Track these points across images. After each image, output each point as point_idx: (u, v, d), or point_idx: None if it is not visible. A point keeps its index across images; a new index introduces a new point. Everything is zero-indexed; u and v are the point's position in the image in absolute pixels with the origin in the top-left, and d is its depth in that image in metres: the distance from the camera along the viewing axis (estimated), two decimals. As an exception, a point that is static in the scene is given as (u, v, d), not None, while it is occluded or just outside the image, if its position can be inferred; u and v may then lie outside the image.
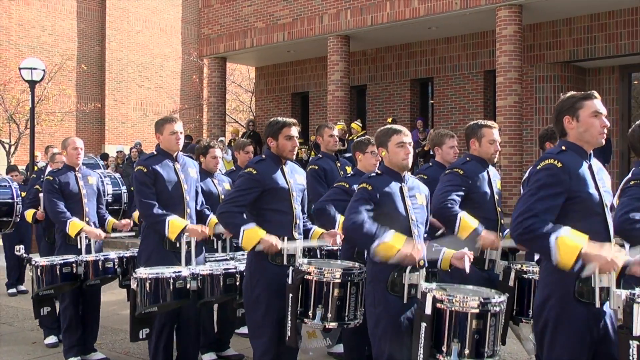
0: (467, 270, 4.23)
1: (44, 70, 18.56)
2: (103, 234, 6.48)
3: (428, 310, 3.95)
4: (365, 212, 4.20)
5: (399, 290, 4.18)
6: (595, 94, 3.71)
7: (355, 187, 4.55)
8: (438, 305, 3.95)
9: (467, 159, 5.19)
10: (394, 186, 4.31)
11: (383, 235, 4.10)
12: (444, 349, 3.92)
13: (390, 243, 4.07)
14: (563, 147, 3.65)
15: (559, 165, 3.51)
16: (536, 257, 3.95)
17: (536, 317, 3.67)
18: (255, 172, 4.86)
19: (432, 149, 6.10)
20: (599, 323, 3.55)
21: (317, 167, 6.65)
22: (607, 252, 3.32)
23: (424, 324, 3.94)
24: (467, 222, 4.83)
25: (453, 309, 3.91)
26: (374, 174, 4.40)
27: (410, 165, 4.40)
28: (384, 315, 4.16)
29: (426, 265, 4.30)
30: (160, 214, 5.38)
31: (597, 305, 3.49)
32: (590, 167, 3.64)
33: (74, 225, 6.33)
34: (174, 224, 5.35)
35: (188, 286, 5.13)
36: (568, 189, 3.49)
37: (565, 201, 3.51)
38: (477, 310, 3.89)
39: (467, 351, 3.88)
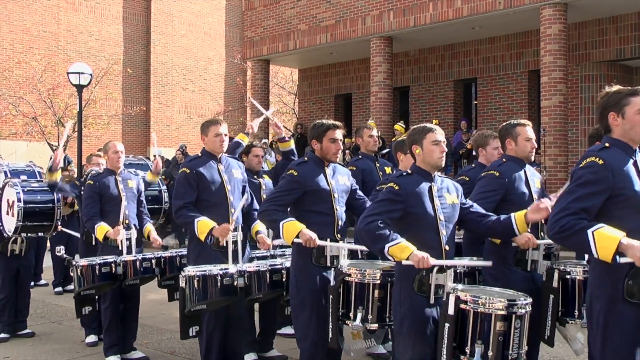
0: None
1: (91, 74, 18.89)
2: (123, 232, 6.46)
3: (451, 310, 3.93)
4: (383, 215, 4.16)
5: (426, 290, 4.15)
6: None
7: None
8: (462, 306, 3.93)
9: (504, 160, 5.09)
10: (423, 186, 4.26)
11: (397, 238, 4.08)
12: (467, 350, 3.90)
13: (404, 244, 4.05)
14: (606, 144, 3.56)
15: (601, 162, 3.44)
16: (586, 257, 3.88)
17: (588, 319, 3.61)
18: (296, 173, 4.92)
19: (476, 150, 6.02)
20: None
21: (355, 168, 6.61)
22: None
23: (447, 325, 3.92)
24: None
25: (478, 310, 3.88)
26: (404, 174, 4.35)
27: (443, 164, 4.36)
28: (408, 315, 4.14)
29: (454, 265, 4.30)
30: (190, 215, 5.47)
31: None
32: (635, 164, 3.54)
33: (100, 229, 6.48)
34: (202, 225, 5.43)
35: (235, 283, 5.20)
36: (611, 186, 3.41)
37: (608, 199, 3.44)
38: (503, 312, 3.85)
39: (490, 353, 3.84)
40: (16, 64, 25.94)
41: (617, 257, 3.28)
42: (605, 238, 3.30)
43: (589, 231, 3.33)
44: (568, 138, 15.23)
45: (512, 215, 4.39)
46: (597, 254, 3.32)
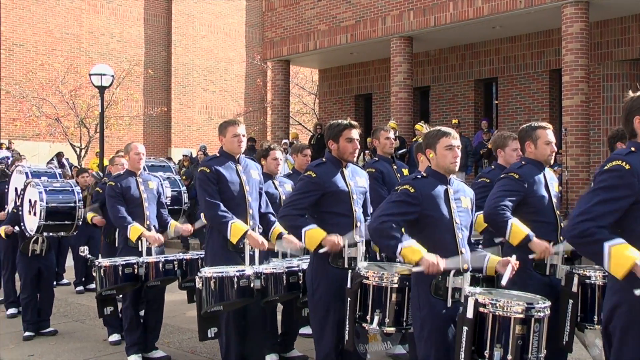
0: (504, 282, 4.12)
1: (112, 76, 19.05)
2: (162, 238, 6.64)
3: (470, 314, 3.90)
4: (397, 216, 4.14)
5: (443, 293, 4.13)
6: None
7: None
8: (481, 309, 3.90)
9: (523, 162, 5.04)
10: (439, 189, 4.23)
11: (408, 239, 4.08)
12: (486, 354, 3.87)
13: (415, 247, 4.04)
14: (632, 149, 3.46)
15: (627, 167, 3.34)
16: None
17: (605, 325, 3.53)
18: (314, 175, 4.91)
19: (495, 151, 5.98)
20: None
21: (374, 170, 6.55)
22: None
23: (465, 328, 3.90)
24: (518, 228, 4.71)
25: (497, 313, 3.85)
26: (420, 176, 4.32)
27: (457, 169, 4.31)
28: (428, 319, 4.13)
29: (470, 269, 4.26)
30: (224, 216, 5.46)
31: None
32: None
33: (134, 230, 6.51)
34: (236, 228, 5.43)
35: (252, 285, 5.21)
36: (636, 192, 3.33)
37: (633, 204, 3.36)
38: (521, 316, 3.83)
39: (509, 357, 3.81)
40: (39, 66, 26.28)
41: (635, 291, 3.24)
42: (621, 256, 3.25)
43: (606, 245, 3.27)
44: (590, 138, 15.09)
45: (488, 255, 4.37)
46: (610, 269, 3.29)
